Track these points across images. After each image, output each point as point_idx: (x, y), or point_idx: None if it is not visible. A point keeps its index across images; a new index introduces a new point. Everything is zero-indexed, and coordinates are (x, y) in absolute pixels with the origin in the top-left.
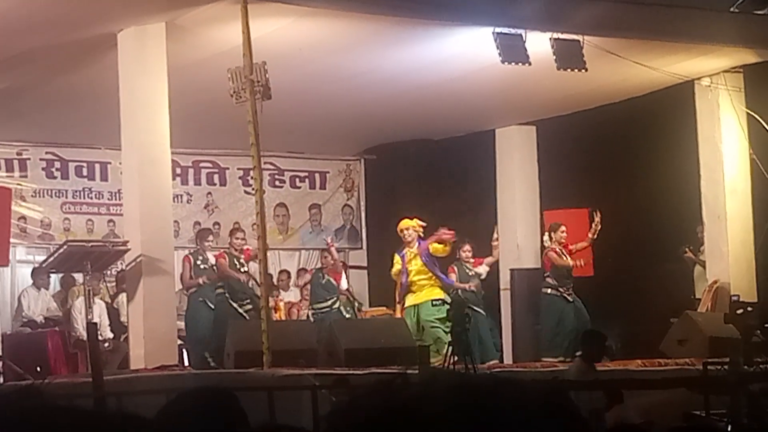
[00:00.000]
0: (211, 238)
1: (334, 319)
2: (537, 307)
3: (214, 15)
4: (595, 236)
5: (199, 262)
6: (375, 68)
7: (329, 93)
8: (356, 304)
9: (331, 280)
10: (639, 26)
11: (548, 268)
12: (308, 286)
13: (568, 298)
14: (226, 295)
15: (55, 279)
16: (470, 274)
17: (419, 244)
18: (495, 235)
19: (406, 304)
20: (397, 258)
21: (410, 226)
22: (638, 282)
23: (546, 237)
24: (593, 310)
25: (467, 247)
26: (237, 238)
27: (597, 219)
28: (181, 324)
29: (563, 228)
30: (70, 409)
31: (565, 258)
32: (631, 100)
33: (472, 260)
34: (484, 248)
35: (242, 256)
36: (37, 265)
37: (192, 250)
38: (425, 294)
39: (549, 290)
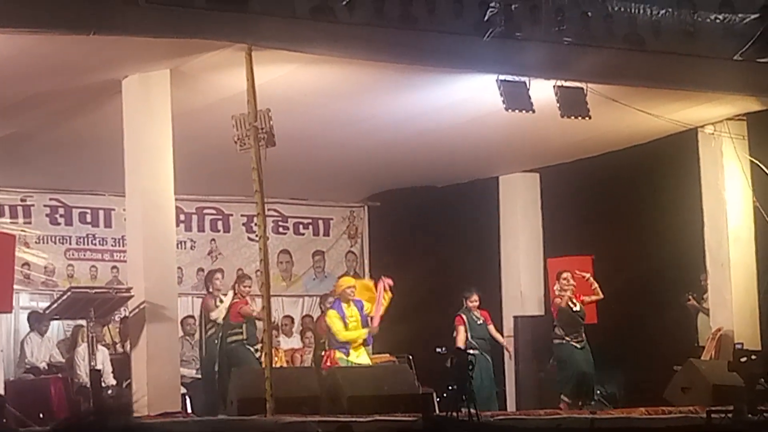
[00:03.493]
0: (219, 276)
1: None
2: (541, 354)
3: (218, 62)
4: (596, 291)
5: (218, 303)
6: (378, 115)
7: (333, 139)
8: None
9: None
10: (642, 74)
11: (555, 316)
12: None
13: (577, 345)
14: (243, 339)
15: (58, 325)
16: (479, 323)
17: (355, 302)
18: (474, 297)
19: (349, 358)
20: (335, 312)
21: (353, 285)
22: (642, 329)
23: (556, 286)
24: (597, 357)
25: (474, 297)
26: (245, 286)
27: (589, 276)
28: (184, 371)
29: (565, 275)
30: None
31: (570, 304)
32: (635, 147)
33: (478, 311)
34: (490, 297)
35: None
36: (34, 310)
37: (208, 295)
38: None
39: (556, 340)
